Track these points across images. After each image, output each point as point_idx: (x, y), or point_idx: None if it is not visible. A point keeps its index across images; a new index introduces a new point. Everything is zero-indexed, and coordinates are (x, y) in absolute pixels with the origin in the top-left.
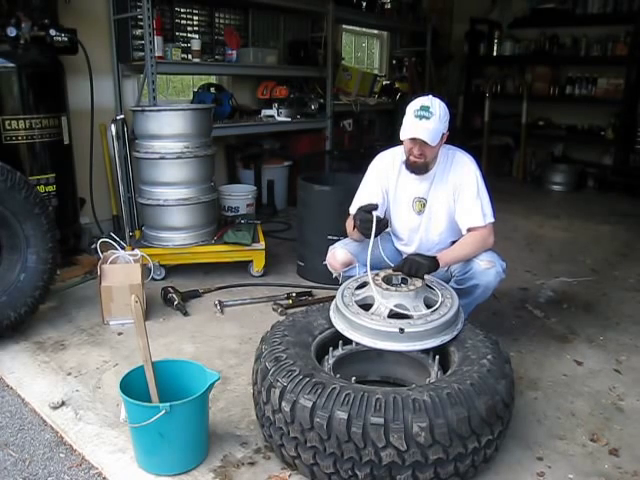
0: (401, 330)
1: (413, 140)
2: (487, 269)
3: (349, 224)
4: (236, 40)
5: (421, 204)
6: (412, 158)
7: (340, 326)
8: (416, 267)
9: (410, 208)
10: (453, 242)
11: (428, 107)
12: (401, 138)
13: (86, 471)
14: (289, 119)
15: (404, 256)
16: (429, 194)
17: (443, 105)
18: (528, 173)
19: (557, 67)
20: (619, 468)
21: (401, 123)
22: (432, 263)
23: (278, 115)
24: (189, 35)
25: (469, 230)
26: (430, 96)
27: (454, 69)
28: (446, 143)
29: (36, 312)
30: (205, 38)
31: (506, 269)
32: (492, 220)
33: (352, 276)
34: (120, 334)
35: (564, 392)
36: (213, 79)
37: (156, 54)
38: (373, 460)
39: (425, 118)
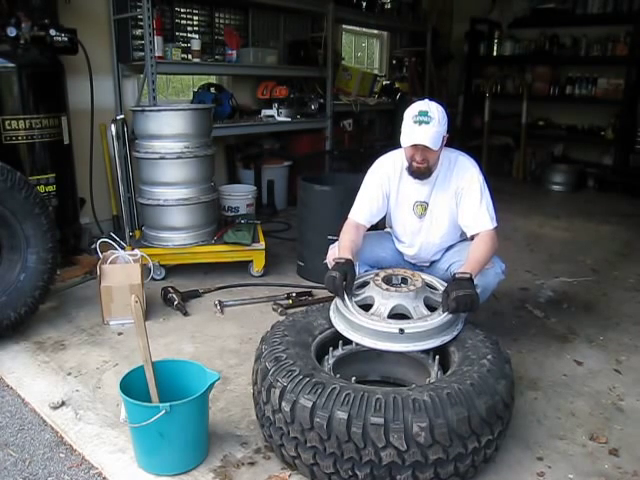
0: (401, 331)
1: (414, 146)
2: (486, 269)
3: (344, 231)
4: (236, 40)
5: (422, 208)
6: (415, 164)
7: (340, 326)
8: (470, 302)
9: (411, 212)
10: (451, 246)
11: (426, 112)
12: (402, 145)
13: (86, 471)
14: (289, 119)
15: (405, 258)
16: (431, 198)
17: (441, 108)
18: (528, 173)
19: (557, 67)
20: (619, 468)
21: (400, 128)
22: (472, 286)
23: (278, 115)
24: (189, 35)
25: (475, 234)
26: (427, 100)
27: (454, 69)
28: (446, 145)
29: (36, 312)
30: (205, 38)
31: (505, 271)
32: (496, 224)
33: None
34: (120, 334)
35: (564, 392)
36: (213, 79)
37: (156, 54)
38: (373, 460)
39: (425, 123)
